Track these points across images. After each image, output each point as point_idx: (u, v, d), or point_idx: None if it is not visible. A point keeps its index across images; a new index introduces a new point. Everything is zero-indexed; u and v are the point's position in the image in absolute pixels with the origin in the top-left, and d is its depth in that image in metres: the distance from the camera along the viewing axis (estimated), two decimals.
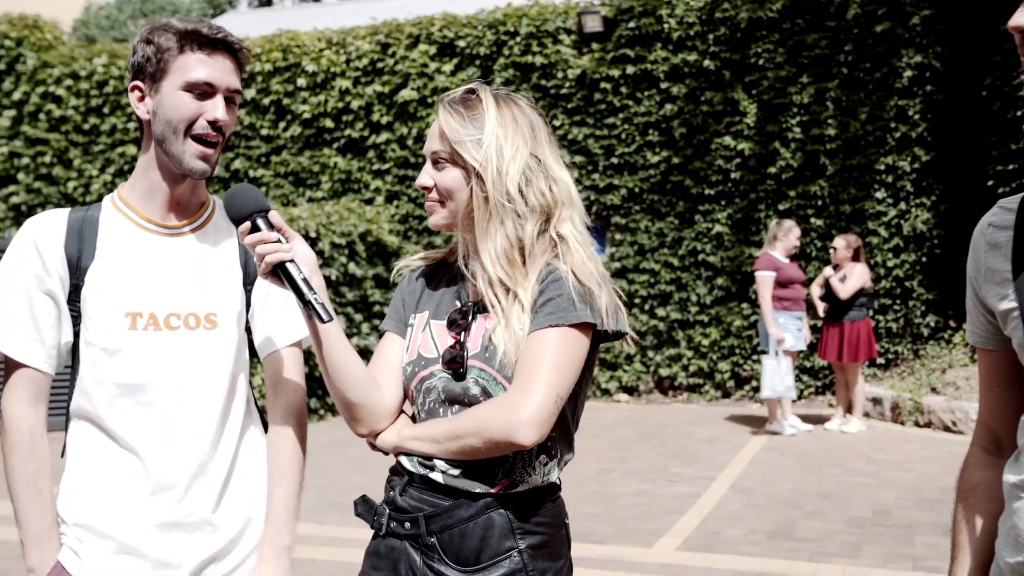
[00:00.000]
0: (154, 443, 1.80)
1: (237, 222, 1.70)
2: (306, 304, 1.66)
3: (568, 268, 1.72)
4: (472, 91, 1.80)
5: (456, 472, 1.71)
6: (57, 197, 12.08)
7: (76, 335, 1.83)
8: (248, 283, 1.93)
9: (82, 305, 1.81)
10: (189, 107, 1.78)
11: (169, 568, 1.80)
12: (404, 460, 1.77)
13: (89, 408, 1.81)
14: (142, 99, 1.83)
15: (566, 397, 1.69)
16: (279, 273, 1.67)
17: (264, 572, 1.86)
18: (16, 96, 12.00)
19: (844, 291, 8.22)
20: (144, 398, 1.80)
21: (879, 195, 9.86)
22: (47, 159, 12.02)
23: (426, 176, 1.79)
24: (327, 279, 9.59)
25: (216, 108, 1.79)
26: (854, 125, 9.84)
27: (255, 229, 1.68)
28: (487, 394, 1.71)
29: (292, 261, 1.66)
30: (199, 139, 1.80)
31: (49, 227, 1.82)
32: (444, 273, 1.89)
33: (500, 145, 1.73)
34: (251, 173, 11.64)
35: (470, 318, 1.78)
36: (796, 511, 5.84)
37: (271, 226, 1.68)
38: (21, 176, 12.06)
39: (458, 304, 1.81)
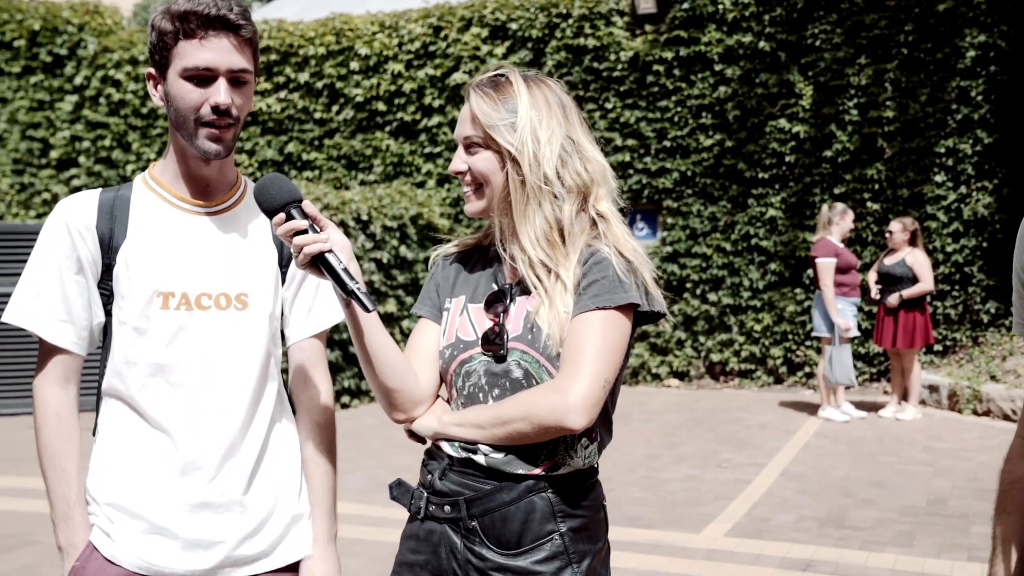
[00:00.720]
0: (184, 423, 1.79)
1: (270, 213, 1.66)
2: (349, 294, 1.63)
3: (612, 248, 1.71)
4: (501, 74, 1.78)
5: (499, 455, 1.71)
6: (116, 180, 12.30)
7: (108, 314, 1.82)
8: (283, 264, 1.90)
9: (114, 284, 1.80)
10: (192, 95, 1.74)
11: (199, 548, 1.79)
12: (444, 444, 1.77)
13: (121, 387, 1.81)
14: (156, 86, 1.81)
15: (613, 380, 1.69)
16: (317, 264, 1.64)
17: (322, 565, 1.89)
18: (78, 81, 12.24)
19: (929, 284, 8.09)
20: (174, 378, 1.79)
21: (939, 179, 9.64)
22: (107, 143, 12.26)
23: (459, 161, 1.78)
24: (378, 262, 9.66)
25: (218, 92, 1.73)
26: (913, 107, 9.63)
27: (289, 219, 1.65)
28: (529, 376, 1.71)
29: (331, 251, 1.64)
30: (208, 124, 1.75)
31: (80, 208, 1.81)
32: (479, 257, 1.88)
33: (535, 128, 1.72)
34: (304, 156, 11.75)
35: (508, 300, 1.77)
36: (848, 499, 5.76)
37: (305, 216, 1.65)
38: (82, 159, 12.31)
39: (495, 287, 1.80)
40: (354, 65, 11.47)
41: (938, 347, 9.68)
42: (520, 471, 1.70)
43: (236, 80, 1.76)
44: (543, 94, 1.76)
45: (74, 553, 1.78)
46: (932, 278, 8.21)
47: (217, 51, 1.72)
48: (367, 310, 1.63)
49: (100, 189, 1.86)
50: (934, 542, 4.90)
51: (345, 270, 1.63)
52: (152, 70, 1.81)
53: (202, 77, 1.73)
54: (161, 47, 1.75)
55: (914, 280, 8.12)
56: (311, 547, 1.91)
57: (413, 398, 1.77)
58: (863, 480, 6.20)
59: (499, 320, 1.75)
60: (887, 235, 8.43)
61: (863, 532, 5.09)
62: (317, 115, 11.71)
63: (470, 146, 1.77)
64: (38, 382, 1.82)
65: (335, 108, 11.66)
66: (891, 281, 8.20)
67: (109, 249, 1.79)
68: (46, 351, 1.81)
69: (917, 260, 8.15)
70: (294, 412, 1.97)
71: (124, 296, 1.79)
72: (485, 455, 1.72)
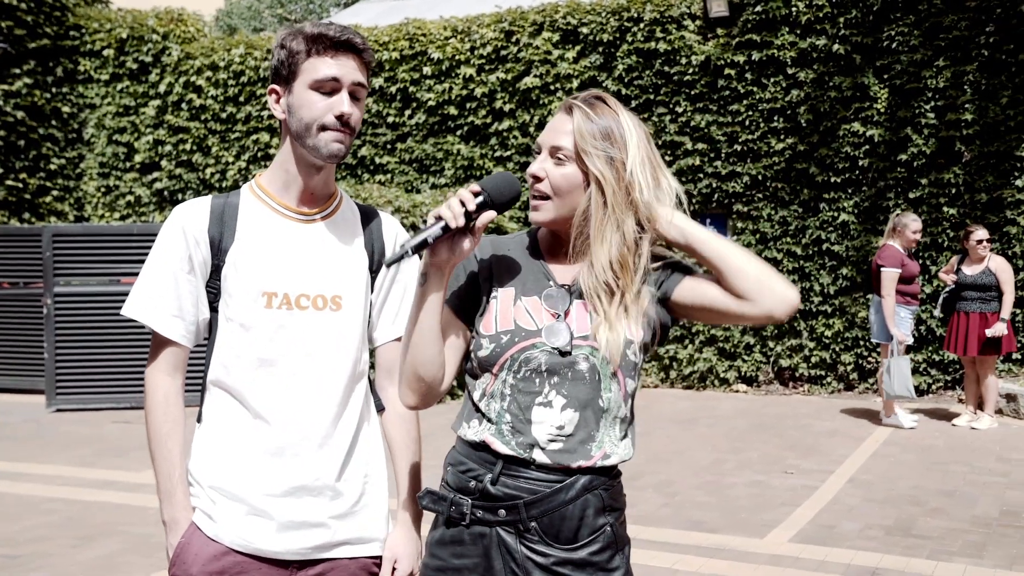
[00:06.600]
0: (283, 413, 1.95)
1: (501, 208, 1.77)
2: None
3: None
4: (599, 97, 1.84)
5: (558, 447, 1.79)
6: (196, 183, 12.70)
7: (215, 311, 2.00)
8: (373, 270, 2.07)
9: (222, 283, 1.98)
10: (319, 104, 1.92)
11: (293, 529, 1.95)
12: (499, 445, 1.81)
13: (226, 378, 1.98)
14: (278, 100, 1.99)
15: None
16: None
17: (404, 545, 2.06)
18: (161, 88, 12.66)
19: (1012, 292, 7.95)
20: (275, 371, 1.96)
21: (1020, 183, 9.40)
22: (188, 147, 12.65)
23: (539, 166, 1.82)
24: None
25: (342, 103, 1.92)
26: (993, 109, 9.41)
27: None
28: (594, 370, 1.78)
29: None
30: (330, 129, 1.93)
31: (195, 213, 2.00)
32: (515, 252, 1.91)
33: (634, 158, 1.78)
34: (377, 160, 11.96)
35: (569, 303, 1.84)
36: (917, 508, 5.69)
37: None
38: (164, 163, 12.73)
39: (551, 284, 1.86)
40: (427, 70, 11.64)
41: (1017, 355, 9.44)
42: (581, 463, 1.79)
43: (354, 95, 1.95)
44: (634, 120, 1.83)
45: (177, 529, 1.96)
46: (1012, 289, 8.02)
47: (345, 67, 1.94)
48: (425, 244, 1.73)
49: (211, 196, 2.05)
50: (1007, 554, 4.82)
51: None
52: (275, 85, 1.99)
53: (330, 88, 1.92)
54: (290, 63, 1.95)
55: (999, 288, 7.94)
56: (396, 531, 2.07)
57: (435, 392, 1.84)
58: (933, 489, 6.11)
59: (559, 313, 1.81)
60: (976, 244, 8.06)
61: (931, 541, 5.03)
62: (390, 119, 11.92)
63: (556, 156, 1.81)
64: (149, 371, 2.00)
65: (407, 112, 11.85)
66: (978, 290, 8.01)
67: (219, 251, 1.98)
68: (158, 343, 2.00)
69: (1000, 267, 7.96)
70: (381, 410, 2.13)
71: (231, 294, 1.97)
72: (543, 450, 1.79)
